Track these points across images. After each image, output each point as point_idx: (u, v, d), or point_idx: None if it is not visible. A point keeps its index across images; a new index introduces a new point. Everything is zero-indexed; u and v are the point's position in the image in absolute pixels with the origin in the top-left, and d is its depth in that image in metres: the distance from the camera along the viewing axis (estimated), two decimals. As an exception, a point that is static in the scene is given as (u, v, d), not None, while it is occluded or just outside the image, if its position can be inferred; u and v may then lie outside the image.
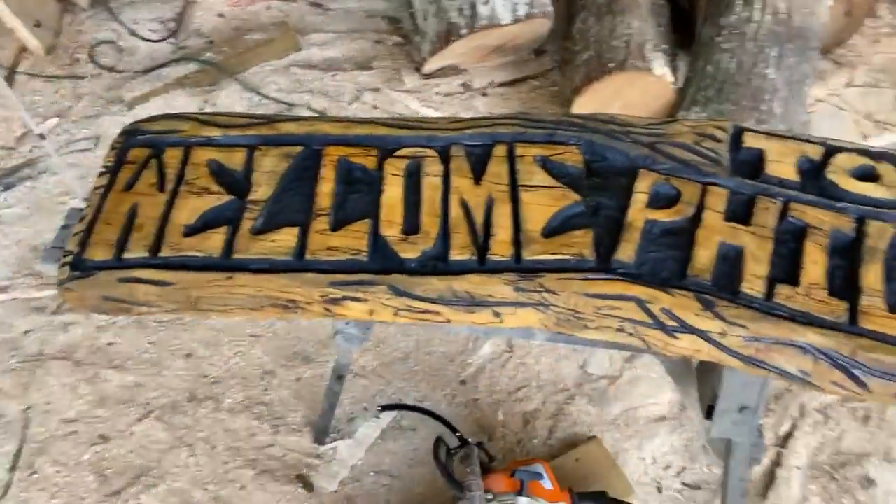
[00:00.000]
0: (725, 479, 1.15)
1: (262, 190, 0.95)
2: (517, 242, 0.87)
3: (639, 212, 0.88)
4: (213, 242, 0.90)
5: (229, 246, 0.89)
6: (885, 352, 0.75)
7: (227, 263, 0.88)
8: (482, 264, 0.86)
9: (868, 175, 0.90)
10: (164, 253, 0.90)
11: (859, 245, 0.83)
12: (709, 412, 1.11)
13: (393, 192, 0.93)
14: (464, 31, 2.05)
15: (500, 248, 0.87)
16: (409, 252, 0.88)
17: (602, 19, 2.08)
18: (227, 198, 0.95)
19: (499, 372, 1.71)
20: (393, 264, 0.87)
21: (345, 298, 0.86)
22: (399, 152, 0.98)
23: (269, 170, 0.97)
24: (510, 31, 2.13)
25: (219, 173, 0.98)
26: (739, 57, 1.78)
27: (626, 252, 0.85)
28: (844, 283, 0.81)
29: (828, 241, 0.84)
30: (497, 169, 0.95)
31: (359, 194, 0.95)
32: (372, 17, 2.59)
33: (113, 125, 2.23)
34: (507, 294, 0.84)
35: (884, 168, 0.90)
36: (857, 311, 0.78)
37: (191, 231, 0.91)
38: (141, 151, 1.01)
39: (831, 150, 0.93)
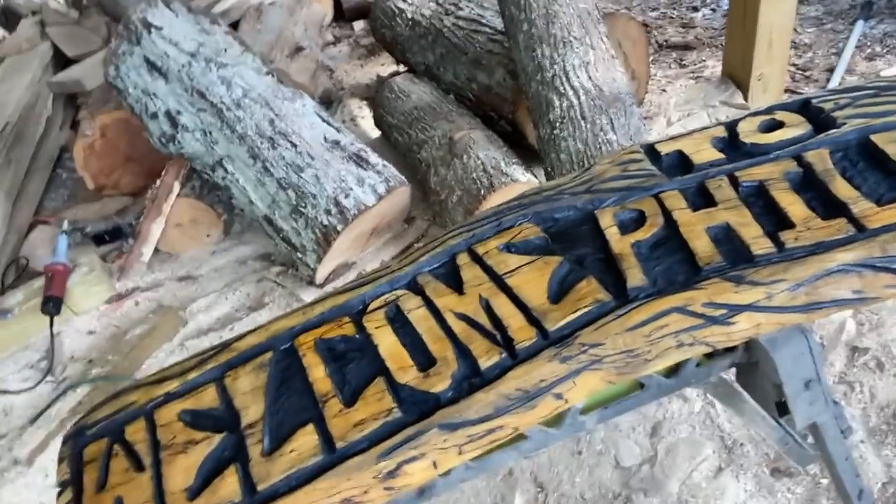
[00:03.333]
0: (830, 466, 1.07)
1: (252, 410, 0.84)
2: (534, 321, 0.83)
3: (619, 242, 0.89)
4: (228, 487, 0.76)
5: (248, 481, 0.76)
6: (905, 235, 0.77)
7: (255, 501, 0.74)
8: (515, 358, 0.80)
9: (774, 125, 0.98)
10: (177, 530, 0.74)
11: (813, 173, 0.89)
12: (780, 409, 1.06)
13: (388, 342, 0.86)
14: (340, 228, 2.10)
15: (522, 333, 0.82)
16: (439, 384, 0.80)
17: (451, 166, 2.24)
18: (217, 438, 0.82)
19: (546, 514, 1.55)
20: (429, 404, 0.78)
21: (401, 465, 0.74)
22: (370, 307, 0.92)
23: (248, 389, 0.87)
24: (379, 210, 2.21)
25: (196, 421, 0.85)
26: (580, 135, 1.96)
27: (636, 277, 0.83)
28: (827, 205, 0.85)
29: (787, 183, 0.89)
30: (472, 274, 0.92)
31: (354, 362, 0.87)
32: (243, 264, 2.58)
33: (14, 492, 1.94)
34: (557, 370, 0.77)
35: (780, 116, 1.00)
36: (856, 220, 0.81)
37: (196, 491, 0.77)
38: (97, 445, 0.86)
39: (731, 125, 1.01)
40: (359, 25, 4.30)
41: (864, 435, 1.51)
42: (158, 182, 2.53)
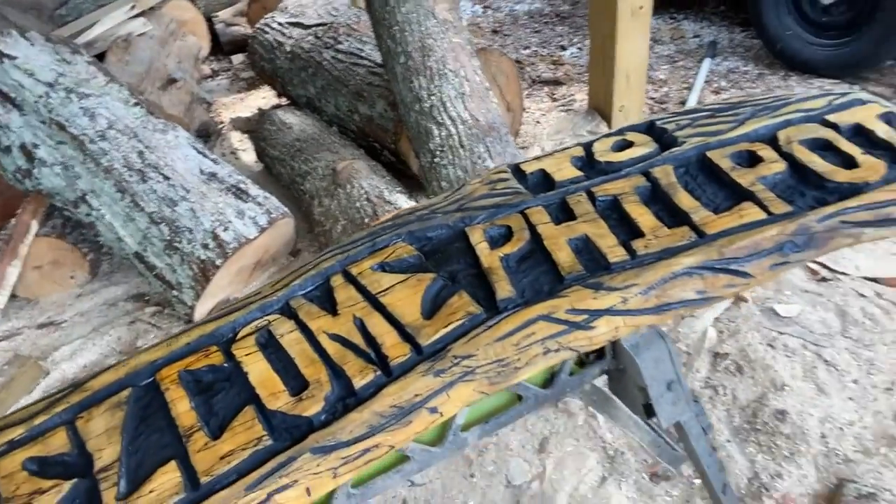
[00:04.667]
0: (696, 462, 1.14)
1: (107, 452, 0.78)
2: (408, 337, 0.83)
3: (489, 256, 0.91)
4: (78, 537, 0.69)
5: (102, 528, 0.70)
6: (739, 239, 0.85)
7: (109, 549, 0.68)
8: (390, 375, 0.80)
9: (625, 145, 1.06)
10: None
11: (659, 187, 0.96)
12: (648, 411, 1.11)
13: (258, 368, 0.83)
14: (219, 262, 2.02)
15: (396, 350, 0.81)
16: (312, 408, 0.77)
17: (335, 196, 2.23)
18: (67, 485, 0.75)
19: (440, 541, 1.53)
20: (302, 429, 0.76)
21: (271, 495, 0.71)
22: (240, 334, 0.89)
23: (103, 430, 0.80)
24: (261, 243, 2.15)
25: (44, 468, 0.78)
26: (460, 163, 2.02)
27: (504, 289, 0.86)
28: (672, 215, 0.92)
29: (637, 197, 0.95)
30: (346, 294, 0.91)
31: (222, 392, 0.83)
32: (113, 306, 2.42)
33: None
34: (431, 384, 0.78)
35: (630, 136, 1.07)
36: (697, 227, 0.88)
37: (40, 546, 0.70)
38: (-78, 506, 0.76)
39: (588, 145, 1.08)
40: (238, 59, 4.23)
41: (730, 434, 1.62)
42: (13, 221, 2.33)
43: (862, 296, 1.89)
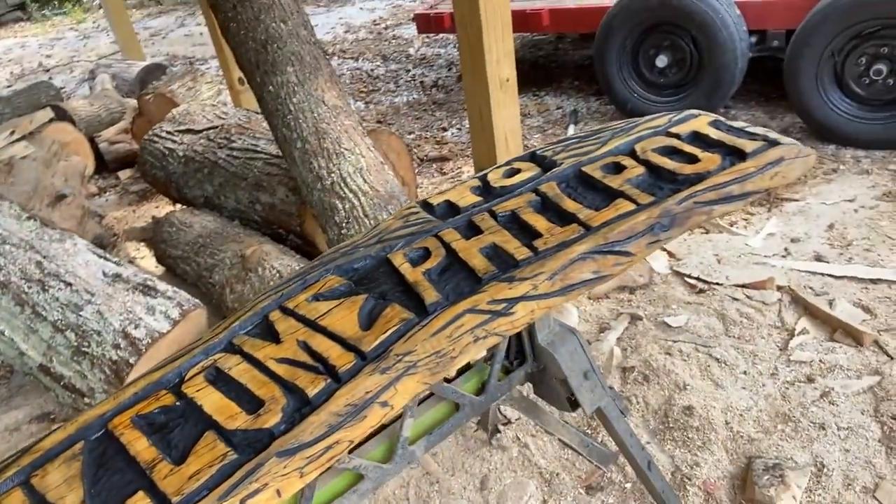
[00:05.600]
0: (620, 445, 1.26)
1: (69, 499, 0.78)
2: (351, 348, 0.91)
3: (412, 273, 1.02)
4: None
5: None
6: (618, 226, 1.01)
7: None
8: (339, 381, 0.87)
9: (514, 172, 1.22)
10: None
11: (548, 199, 1.12)
12: (572, 404, 1.23)
13: (212, 399, 0.88)
14: (133, 360, 1.98)
15: (343, 359, 0.89)
16: (271, 420, 0.83)
17: (246, 281, 2.26)
18: (31, 536, 0.75)
19: None
20: (264, 441, 0.81)
21: (244, 500, 0.75)
22: (188, 376, 0.93)
23: (62, 481, 0.81)
24: (175, 336, 2.13)
25: (0, 528, 0.77)
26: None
27: (431, 295, 0.97)
28: (562, 218, 1.07)
29: (531, 208, 1.11)
30: (286, 325, 0.98)
31: (178, 427, 0.86)
32: (16, 431, 2.26)
33: None
34: (379, 381, 0.85)
35: (517, 165, 1.25)
36: (584, 223, 1.04)
37: None
38: None
39: (483, 177, 1.24)
40: (125, 174, 4.21)
41: (649, 437, 1.75)
42: None
43: (735, 300, 2.14)
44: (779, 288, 2.17)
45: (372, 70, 5.61)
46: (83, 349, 2.00)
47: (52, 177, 3.22)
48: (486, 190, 1.21)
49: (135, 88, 4.94)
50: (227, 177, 2.79)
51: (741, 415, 1.76)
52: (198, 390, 0.90)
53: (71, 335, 2.01)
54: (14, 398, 2.37)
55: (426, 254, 1.07)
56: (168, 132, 3.23)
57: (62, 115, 4.20)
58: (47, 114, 3.93)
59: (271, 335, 0.97)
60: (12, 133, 3.35)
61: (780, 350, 1.94)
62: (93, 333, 2.01)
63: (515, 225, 1.09)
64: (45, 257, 2.15)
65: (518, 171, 1.23)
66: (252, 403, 0.87)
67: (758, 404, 1.79)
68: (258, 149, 2.79)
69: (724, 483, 1.60)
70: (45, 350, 2.03)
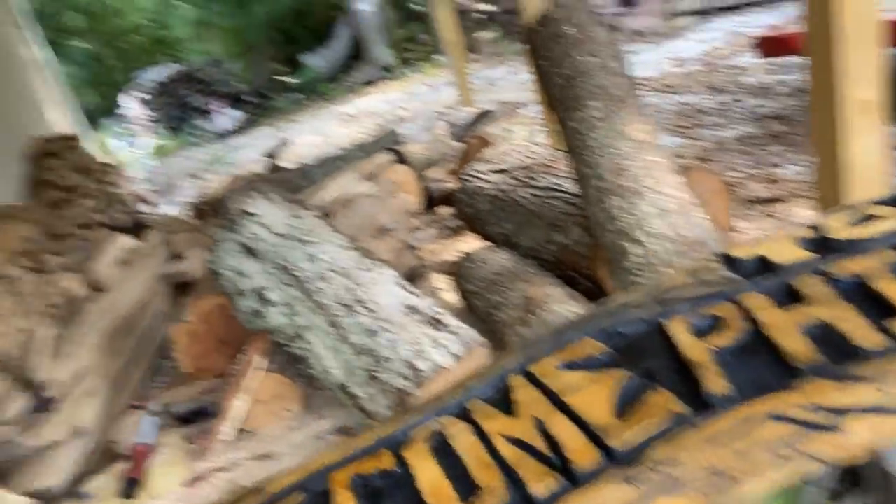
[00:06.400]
0: None
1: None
2: (596, 439, 0.69)
3: (694, 348, 0.76)
4: None
5: None
6: None
7: None
8: (574, 482, 0.66)
9: (867, 219, 0.87)
10: None
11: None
12: None
13: (429, 474, 0.75)
14: (417, 392, 2.01)
15: (584, 454, 0.68)
16: (482, 518, 0.66)
17: (528, 323, 2.16)
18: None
19: None
20: (470, 544, 0.64)
21: None
22: (412, 437, 0.82)
23: (272, 533, 0.76)
24: (457, 372, 2.12)
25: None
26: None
27: (717, 385, 0.70)
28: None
29: (892, 274, 0.75)
30: (526, 395, 0.81)
31: (390, 499, 0.75)
32: (321, 439, 2.50)
33: None
34: (623, 494, 0.63)
35: (874, 210, 0.89)
36: None
37: None
38: None
39: (820, 223, 0.91)
40: (445, 211, 4.55)
41: None
42: (242, 358, 2.59)
43: None
44: None
45: (697, 103, 5.17)
46: (375, 374, 2.10)
47: (382, 212, 3.61)
48: (821, 242, 0.87)
49: (463, 133, 5.37)
50: (527, 215, 2.76)
51: None
52: (418, 458, 0.78)
53: (367, 359, 2.14)
54: (323, 408, 2.63)
55: (718, 324, 0.79)
56: (479, 171, 3.36)
57: (400, 158, 4.73)
58: (387, 157, 4.46)
59: (506, 405, 0.81)
60: (357, 174, 3.86)
61: None
62: (383, 360, 2.10)
63: (862, 296, 0.75)
64: (357, 284, 2.35)
65: (875, 217, 0.87)
66: (467, 487, 0.71)
67: None
68: (559, 188, 2.69)
69: None
70: (346, 370, 2.19)
